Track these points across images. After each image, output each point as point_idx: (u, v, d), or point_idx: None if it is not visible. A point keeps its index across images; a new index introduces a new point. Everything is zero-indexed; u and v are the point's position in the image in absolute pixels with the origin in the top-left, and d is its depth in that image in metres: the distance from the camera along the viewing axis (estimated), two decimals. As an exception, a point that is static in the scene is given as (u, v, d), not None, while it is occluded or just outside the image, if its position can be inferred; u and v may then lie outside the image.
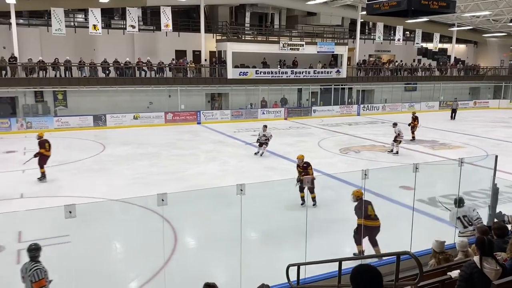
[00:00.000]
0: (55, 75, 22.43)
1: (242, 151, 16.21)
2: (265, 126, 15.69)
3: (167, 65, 24.54)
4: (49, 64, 22.14)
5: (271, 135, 15.50)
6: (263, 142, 15.32)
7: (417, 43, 31.84)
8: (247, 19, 28.41)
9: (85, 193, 10.70)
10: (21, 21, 23.40)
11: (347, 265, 4.89)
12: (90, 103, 22.90)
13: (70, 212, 4.44)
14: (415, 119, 18.59)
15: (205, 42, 25.87)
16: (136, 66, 23.81)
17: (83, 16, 25.38)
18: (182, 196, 9.35)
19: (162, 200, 4.98)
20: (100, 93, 23.08)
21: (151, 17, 26.84)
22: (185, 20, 27.00)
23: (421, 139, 18.73)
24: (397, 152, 15.70)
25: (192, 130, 21.90)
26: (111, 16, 26.27)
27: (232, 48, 25.28)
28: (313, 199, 9.81)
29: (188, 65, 25.12)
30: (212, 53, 26.82)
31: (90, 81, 22.82)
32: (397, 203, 9.83)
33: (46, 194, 10.77)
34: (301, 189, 9.70)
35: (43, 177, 12.04)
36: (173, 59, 25.16)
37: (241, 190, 5.35)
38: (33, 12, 24.11)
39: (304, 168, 10.11)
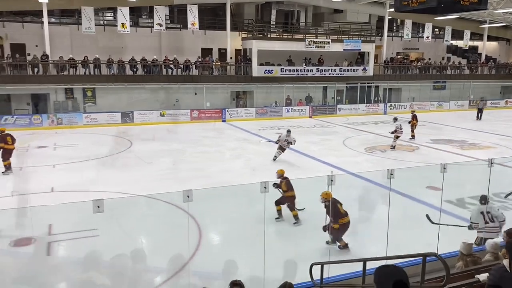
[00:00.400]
0: (85, 73, 22.90)
1: (266, 149, 16.16)
2: (289, 132, 14.85)
3: (193, 63, 24.80)
4: (79, 61, 22.66)
5: (294, 140, 14.65)
6: (283, 147, 14.57)
7: (447, 41, 31.15)
8: (273, 17, 28.42)
9: (112, 188, 10.90)
10: (52, 19, 23.98)
11: (372, 265, 4.84)
12: (118, 100, 23.31)
13: (98, 206, 4.59)
14: (413, 117, 18.38)
15: (231, 40, 26.00)
16: (163, 64, 24.14)
17: (112, 15, 25.96)
18: (207, 193, 9.60)
19: (188, 196, 5.06)
20: (128, 90, 23.47)
21: (178, 16, 27.14)
22: (211, 18, 27.18)
23: (450, 138, 18.35)
24: (393, 147, 16.09)
25: (217, 127, 22.09)
26: (139, 14, 26.81)
27: (257, 45, 25.31)
28: (295, 217, 9.08)
29: (213, 63, 25.31)
30: (237, 51, 26.97)
31: (118, 78, 23.24)
32: (424, 203, 9.66)
33: (75, 189, 11.01)
34: (277, 203, 9.09)
35: (8, 169, 12.33)
36: (199, 57, 25.40)
37: (265, 187, 5.39)
38: (64, 11, 24.71)
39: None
